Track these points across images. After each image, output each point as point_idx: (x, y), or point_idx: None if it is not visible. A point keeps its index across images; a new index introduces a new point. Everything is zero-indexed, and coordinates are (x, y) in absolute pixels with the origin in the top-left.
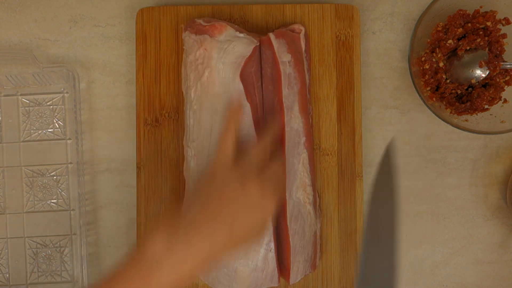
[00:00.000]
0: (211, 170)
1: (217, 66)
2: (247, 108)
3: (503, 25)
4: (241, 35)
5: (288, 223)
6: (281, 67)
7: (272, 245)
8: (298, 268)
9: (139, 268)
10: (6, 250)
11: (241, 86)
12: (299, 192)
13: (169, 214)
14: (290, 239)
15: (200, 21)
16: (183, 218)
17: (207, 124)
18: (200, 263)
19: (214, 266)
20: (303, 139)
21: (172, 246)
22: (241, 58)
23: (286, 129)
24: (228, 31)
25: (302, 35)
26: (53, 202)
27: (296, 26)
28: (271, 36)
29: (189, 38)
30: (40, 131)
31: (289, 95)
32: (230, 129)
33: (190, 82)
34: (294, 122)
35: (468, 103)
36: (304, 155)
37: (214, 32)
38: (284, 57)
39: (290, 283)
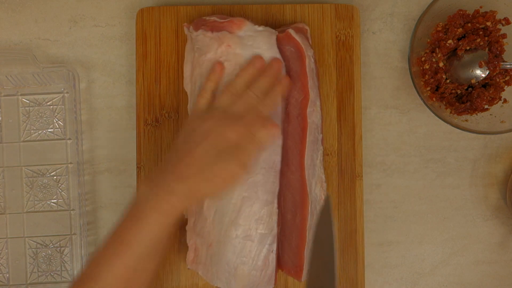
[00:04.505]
0: (187, 120)
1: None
2: (278, 109)
3: (503, 25)
4: (260, 28)
5: (308, 218)
6: (307, 60)
7: (275, 246)
8: None
9: (132, 212)
10: (6, 250)
11: None
12: (317, 188)
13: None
14: (307, 234)
15: (214, 18)
16: (164, 165)
17: None
18: (182, 199)
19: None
20: (320, 136)
21: (157, 190)
22: (271, 51)
23: (309, 121)
24: (247, 26)
25: (308, 35)
26: (53, 202)
27: (301, 25)
28: (291, 31)
29: (204, 36)
30: (40, 131)
31: (313, 87)
32: (206, 88)
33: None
34: (315, 117)
35: (468, 103)
36: (321, 152)
37: (233, 28)
38: (309, 51)
39: (302, 280)
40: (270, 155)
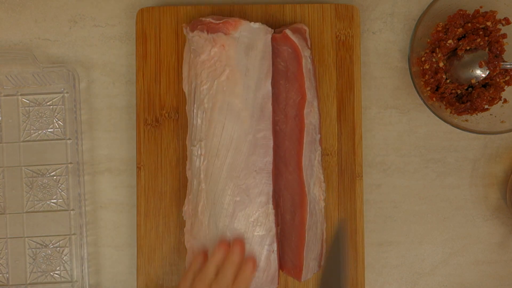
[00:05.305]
0: None
1: (239, 65)
2: (269, 111)
3: (503, 25)
4: (256, 25)
5: (307, 218)
6: (303, 61)
7: (275, 246)
8: (309, 265)
9: None
10: (6, 250)
11: (269, 88)
12: (316, 188)
13: None
14: (306, 234)
15: (209, 19)
16: None
17: (219, 123)
18: None
19: None
20: (318, 136)
21: None
22: (265, 52)
23: (306, 121)
24: (243, 26)
25: (307, 35)
26: (53, 202)
27: (299, 26)
28: (288, 32)
29: (199, 38)
30: (40, 131)
31: (310, 88)
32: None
33: (201, 81)
34: (312, 117)
35: (468, 103)
36: (319, 152)
37: (228, 29)
38: (306, 52)
39: (302, 280)
40: (261, 157)
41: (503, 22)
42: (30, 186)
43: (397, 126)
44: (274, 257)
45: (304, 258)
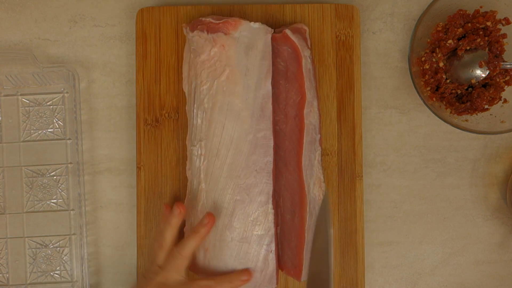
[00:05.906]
0: (145, 276)
1: (239, 65)
2: (269, 111)
3: (503, 25)
4: (256, 25)
5: (307, 218)
6: (303, 61)
7: (273, 246)
8: (309, 265)
9: None
10: (6, 250)
11: (269, 87)
12: (315, 188)
13: None
14: (306, 234)
15: (209, 19)
16: None
17: (219, 123)
18: None
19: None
20: (318, 136)
21: None
22: (265, 52)
23: (306, 122)
24: (242, 26)
25: (307, 35)
26: (53, 202)
27: (299, 26)
28: (288, 32)
29: (199, 38)
30: (40, 131)
31: (310, 88)
32: (164, 238)
33: (201, 81)
34: (312, 117)
35: (468, 103)
36: (319, 152)
37: (228, 29)
38: (306, 52)
39: (301, 280)
40: (262, 156)
41: (503, 22)
42: (30, 186)
43: (397, 126)
44: (272, 257)
45: (303, 258)
